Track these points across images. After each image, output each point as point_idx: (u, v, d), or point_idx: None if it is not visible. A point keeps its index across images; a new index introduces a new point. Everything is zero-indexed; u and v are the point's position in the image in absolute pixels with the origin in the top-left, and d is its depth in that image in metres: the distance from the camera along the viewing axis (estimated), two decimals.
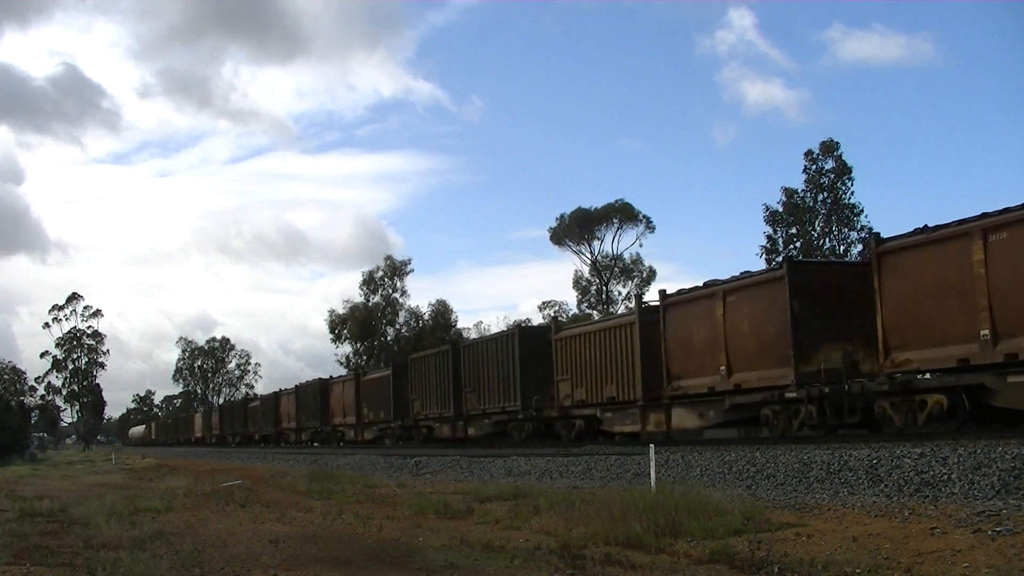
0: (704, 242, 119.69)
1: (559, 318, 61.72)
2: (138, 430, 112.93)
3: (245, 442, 58.28)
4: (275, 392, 53.57)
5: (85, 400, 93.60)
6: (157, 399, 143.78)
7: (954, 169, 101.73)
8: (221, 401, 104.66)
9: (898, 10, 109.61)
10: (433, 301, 74.21)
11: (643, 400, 20.21)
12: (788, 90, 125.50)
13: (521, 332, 26.59)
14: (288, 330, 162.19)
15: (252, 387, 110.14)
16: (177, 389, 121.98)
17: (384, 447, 33.03)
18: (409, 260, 76.73)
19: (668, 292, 20.34)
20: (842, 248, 45.08)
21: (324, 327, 75.16)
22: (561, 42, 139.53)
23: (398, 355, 55.64)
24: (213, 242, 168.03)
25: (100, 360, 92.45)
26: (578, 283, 63.02)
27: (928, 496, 9.66)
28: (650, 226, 61.41)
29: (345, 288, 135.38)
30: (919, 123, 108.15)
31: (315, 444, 43.85)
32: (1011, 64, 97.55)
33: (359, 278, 77.86)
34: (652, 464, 12.49)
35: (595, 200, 63.78)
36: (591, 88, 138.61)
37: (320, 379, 45.77)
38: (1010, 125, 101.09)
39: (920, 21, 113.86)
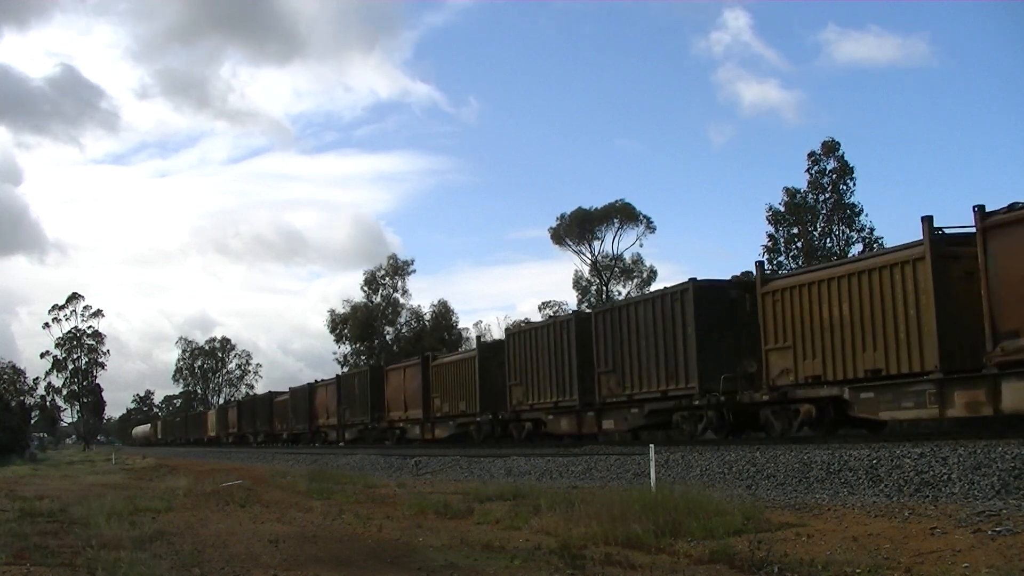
0: (702, 242, 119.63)
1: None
2: (142, 429, 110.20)
3: (270, 441, 52.64)
4: (309, 383, 47.49)
5: (85, 400, 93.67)
6: (157, 399, 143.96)
7: (951, 169, 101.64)
8: (221, 401, 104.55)
9: (893, 11, 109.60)
10: (435, 302, 74.22)
11: (941, 372, 14.33)
12: (784, 91, 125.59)
13: (698, 288, 19.62)
14: (287, 330, 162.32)
15: (252, 387, 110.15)
16: (177, 389, 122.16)
17: (457, 446, 27.49)
18: (412, 260, 76.66)
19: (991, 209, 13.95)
20: (843, 248, 45.12)
21: (323, 327, 75.13)
22: (557, 43, 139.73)
23: (398, 355, 55.45)
24: (211, 242, 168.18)
25: (100, 360, 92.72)
26: (578, 283, 63.02)
27: (928, 496, 9.66)
28: (650, 226, 61.42)
29: (344, 288, 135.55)
30: (916, 124, 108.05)
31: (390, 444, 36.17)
32: (1008, 63, 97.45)
33: (357, 278, 78.10)
34: (652, 464, 12.49)
35: (593, 200, 63.97)
36: (588, 89, 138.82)
37: (372, 366, 40.11)
38: (1008, 124, 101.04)
39: (915, 22, 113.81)
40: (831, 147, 46.42)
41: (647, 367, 20.65)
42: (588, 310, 25.30)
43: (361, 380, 38.67)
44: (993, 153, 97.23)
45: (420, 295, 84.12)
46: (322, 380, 45.90)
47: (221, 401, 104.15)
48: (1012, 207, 13.81)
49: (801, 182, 46.96)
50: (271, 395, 55.71)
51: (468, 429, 29.84)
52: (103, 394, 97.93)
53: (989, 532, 7.34)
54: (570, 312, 27.39)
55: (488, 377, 28.06)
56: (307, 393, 46.50)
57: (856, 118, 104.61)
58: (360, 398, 38.21)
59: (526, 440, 26.09)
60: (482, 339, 34.28)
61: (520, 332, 26.91)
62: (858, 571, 6.66)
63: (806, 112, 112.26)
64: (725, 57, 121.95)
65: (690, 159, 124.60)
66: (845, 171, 46.14)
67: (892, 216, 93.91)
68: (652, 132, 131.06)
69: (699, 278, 20.19)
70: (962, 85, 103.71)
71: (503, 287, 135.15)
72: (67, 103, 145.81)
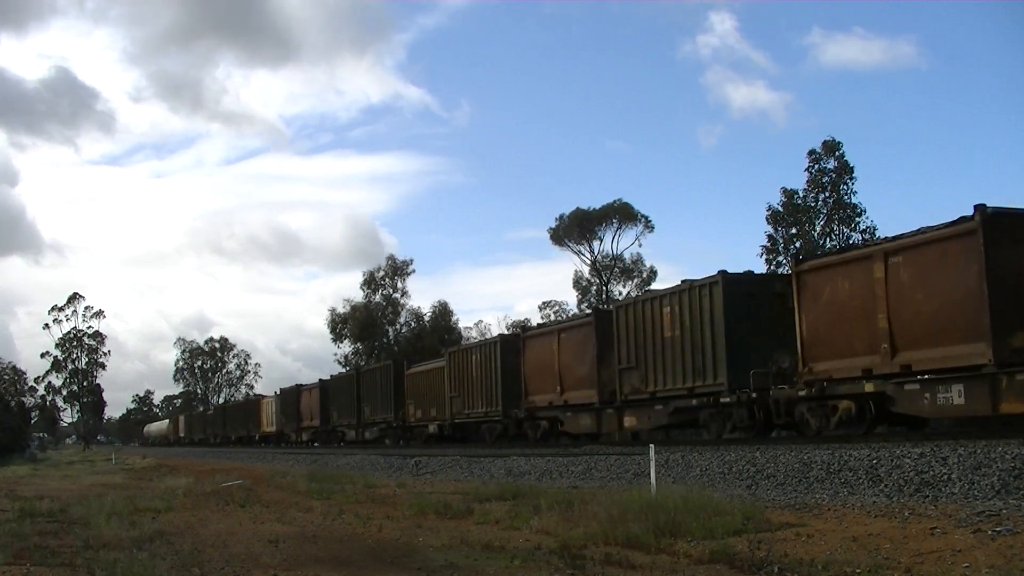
0: (697, 243, 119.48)
1: (559, 318, 61.03)
2: (158, 427, 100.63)
3: (403, 439, 34.46)
4: (502, 334, 29.12)
5: (85, 400, 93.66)
6: (156, 399, 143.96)
7: (948, 169, 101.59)
8: (221, 400, 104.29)
9: (877, 14, 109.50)
10: (436, 302, 74.15)
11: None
12: (772, 92, 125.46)
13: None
14: (285, 331, 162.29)
15: (252, 387, 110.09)
16: (177, 389, 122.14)
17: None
18: (411, 260, 76.47)
19: None
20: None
21: (320, 327, 75.56)
22: (548, 45, 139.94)
23: (399, 355, 55.33)
24: (207, 243, 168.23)
25: (100, 360, 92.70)
26: (578, 283, 63.02)
27: (928, 496, 9.66)
28: (649, 225, 61.45)
29: (341, 289, 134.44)
30: (907, 125, 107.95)
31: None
32: (999, 63, 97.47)
33: (354, 279, 78.32)
34: (652, 464, 12.48)
35: (587, 201, 64.01)
36: (578, 91, 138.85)
37: (694, 280, 18.95)
38: (1007, 124, 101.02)
39: (902, 24, 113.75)
40: (831, 147, 46.50)
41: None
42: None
43: (636, 316, 20.31)
44: (992, 152, 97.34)
45: (418, 295, 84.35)
46: (555, 321, 27.10)
47: (220, 400, 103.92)
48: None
49: (795, 182, 47.30)
50: (395, 366, 35.79)
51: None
52: (103, 394, 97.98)
53: (989, 532, 7.33)
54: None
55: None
56: (497, 351, 26.41)
57: (847, 119, 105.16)
58: (625, 349, 20.57)
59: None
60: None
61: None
62: (858, 571, 6.66)
63: (795, 113, 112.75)
64: (713, 59, 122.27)
65: (687, 160, 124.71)
66: (845, 171, 46.23)
67: (883, 216, 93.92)
68: (643, 134, 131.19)
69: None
70: (953, 86, 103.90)
71: (501, 287, 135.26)
72: (63, 105, 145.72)
